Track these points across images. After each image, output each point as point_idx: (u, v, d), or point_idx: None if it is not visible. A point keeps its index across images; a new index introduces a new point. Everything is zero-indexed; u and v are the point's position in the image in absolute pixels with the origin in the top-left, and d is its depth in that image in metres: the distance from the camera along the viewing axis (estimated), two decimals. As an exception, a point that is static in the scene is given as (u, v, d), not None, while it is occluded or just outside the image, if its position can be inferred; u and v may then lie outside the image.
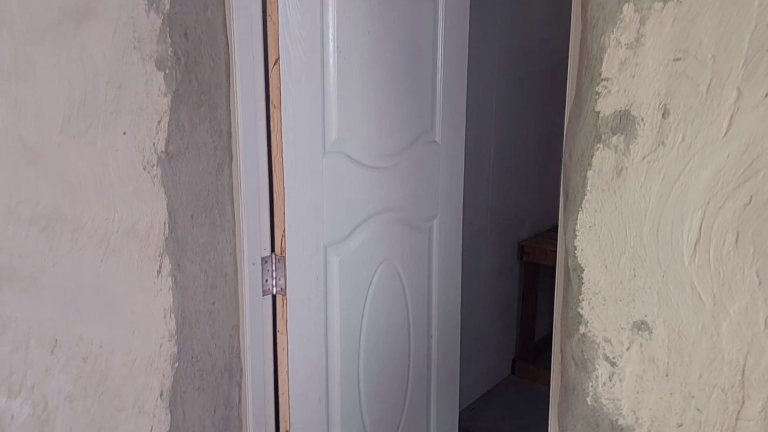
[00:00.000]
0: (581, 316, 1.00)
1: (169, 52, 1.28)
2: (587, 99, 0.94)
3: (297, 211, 1.51)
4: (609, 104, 0.92)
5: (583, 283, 0.99)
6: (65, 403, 1.24)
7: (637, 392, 0.96)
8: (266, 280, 1.54)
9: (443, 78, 1.85)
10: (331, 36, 1.51)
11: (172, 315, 1.37)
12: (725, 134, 0.83)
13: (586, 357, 1.00)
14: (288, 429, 1.60)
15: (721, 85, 0.83)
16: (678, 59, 0.85)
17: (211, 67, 1.37)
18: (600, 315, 0.98)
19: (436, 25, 1.81)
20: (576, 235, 0.98)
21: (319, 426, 1.67)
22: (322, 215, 1.57)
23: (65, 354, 1.23)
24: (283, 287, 1.53)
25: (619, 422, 0.98)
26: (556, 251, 1.13)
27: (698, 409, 0.92)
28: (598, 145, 0.93)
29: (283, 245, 1.51)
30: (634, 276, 0.94)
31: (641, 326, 0.94)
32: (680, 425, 0.94)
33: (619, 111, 0.91)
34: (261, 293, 1.54)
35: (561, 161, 1.04)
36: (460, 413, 2.28)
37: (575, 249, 0.98)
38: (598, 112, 0.93)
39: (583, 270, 0.98)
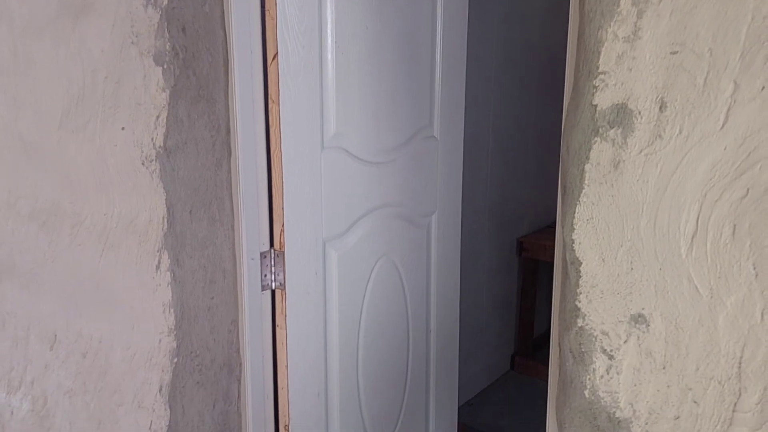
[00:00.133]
0: (579, 309, 1.00)
1: (167, 47, 1.28)
2: (585, 92, 0.94)
3: (296, 206, 1.51)
4: (606, 98, 0.92)
5: (580, 277, 0.99)
6: (65, 398, 1.24)
7: (635, 385, 0.97)
8: (265, 275, 1.54)
9: (442, 73, 1.85)
10: (329, 31, 1.51)
11: (171, 310, 1.38)
12: (722, 127, 0.84)
13: (583, 350, 1.01)
14: (287, 423, 1.60)
15: (718, 78, 0.83)
16: (675, 52, 0.85)
17: (210, 62, 1.37)
18: (597, 308, 0.98)
19: (434, 20, 1.81)
20: (574, 229, 0.98)
21: (318, 420, 1.68)
22: (321, 210, 1.58)
23: (65, 349, 1.23)
24: (282, 282, 1.54)
25: (617, 415, 0.99)
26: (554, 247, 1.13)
27: (695, 402, 0.92)
28: (596, 138, 0.94)
29: (281, 240, 1.51)
30: (632, 269, 0.94)
31: (638, 319, 0.95)
32: (677, 417, 0.94)
33: (617, 104, 0.91)
34: (260, 288, 1.54)
35: (559, 157, 1.05)
36: (459, 408, 2.28)
37: (573, 242, 0.99)
38: (596, 106, 0.93)
39: (581, 263, 0.99)
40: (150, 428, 1.38)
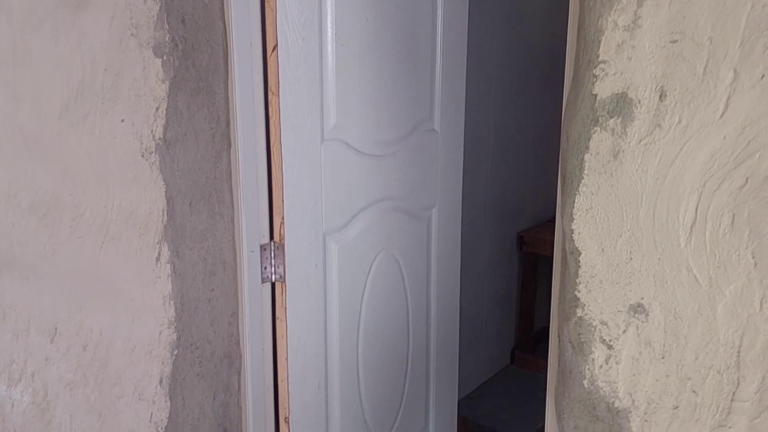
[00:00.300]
0: (578, 299, 1.00)
1: (167, 38, 1.28)
2: (584, 82, 0.94)
3: (296, 199, 1.51)
4: (606, 87, 0.92)
5: (580, 267, 0.99)
6: (65, 390, 1.25)
7: (633, 375, 0.97)
8: (265, 268, 1.54)
9: (442, 66, 1.85)
10: (329, 23, 1.51)
11: (171, 302, 1.38)
12: (721, 116, 0.83)
13: (582, 340, 1.01)
14: (287, 415, 1.61)
15: (717, 67, 0.83)
16: (675, 41, 0.85)
17: (209, 53, 1.37)
18: (597, 298, 0.98)
19: (435, 13, 1.80)
20: (573, 219, 0.98)
21: (318, 412, 1.68)
22: (321, 202, 1.58)
23: (65, 342, 1.23)
24: (282, 275, 1.54)
25: (616, 405, 0.99)
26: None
27: (694, 391, 0.92)
28: (595, 128, 0.94)
29: (282, 232, 1.51)
30: (631, 259, 0.94)
31: (637, 309, 0.95)
32: (676, 407, 0.94)
33: (616, 94, 0.91)
34: (260, 280, 1.54)
35: (559, 151, 1.05)
36: (459, 402, 2.29)
37: (572, 232, 0.99)
38: (596, 95, 0.93)
39: (580, 253, 0.99)
40: (150, 420, 1.38)
